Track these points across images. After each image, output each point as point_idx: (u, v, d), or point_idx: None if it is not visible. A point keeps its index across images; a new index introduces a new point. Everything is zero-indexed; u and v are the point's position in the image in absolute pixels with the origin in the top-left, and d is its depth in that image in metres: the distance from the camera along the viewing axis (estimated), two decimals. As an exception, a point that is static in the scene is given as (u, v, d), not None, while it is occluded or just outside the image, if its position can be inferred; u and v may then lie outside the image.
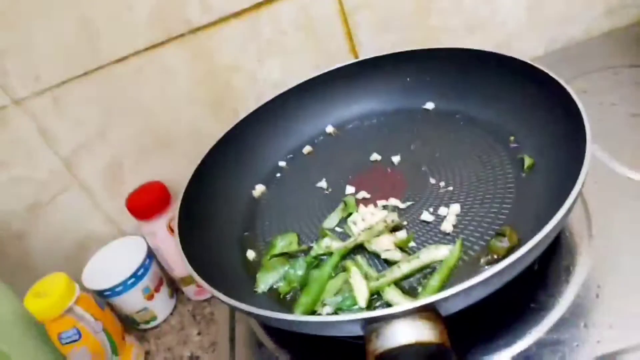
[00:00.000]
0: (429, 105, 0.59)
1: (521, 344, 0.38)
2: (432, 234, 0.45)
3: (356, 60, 0.62)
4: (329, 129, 0.63)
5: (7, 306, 0.55)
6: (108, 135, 0.64)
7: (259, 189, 0.58)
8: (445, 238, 0.44)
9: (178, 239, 0.44)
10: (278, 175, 0.60)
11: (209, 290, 0.39)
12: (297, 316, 0.34)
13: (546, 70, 0.46)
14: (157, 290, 0.63)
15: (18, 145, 0.62)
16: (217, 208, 0.54)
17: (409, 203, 0.49)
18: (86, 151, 0.64)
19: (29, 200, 0.65)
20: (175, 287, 0.67)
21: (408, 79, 0.60)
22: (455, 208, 0.46)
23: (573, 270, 0.41)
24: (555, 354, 0.36)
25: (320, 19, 0.62)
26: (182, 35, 0.59)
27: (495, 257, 0.40)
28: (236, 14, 0.59)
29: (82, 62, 0.58)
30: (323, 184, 0.56)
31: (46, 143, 0.62)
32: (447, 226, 0.45)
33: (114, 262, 0.63)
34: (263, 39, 0.62)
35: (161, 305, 0.64)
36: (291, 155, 0.62)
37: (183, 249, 0.43)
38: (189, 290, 0.65)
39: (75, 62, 0.58)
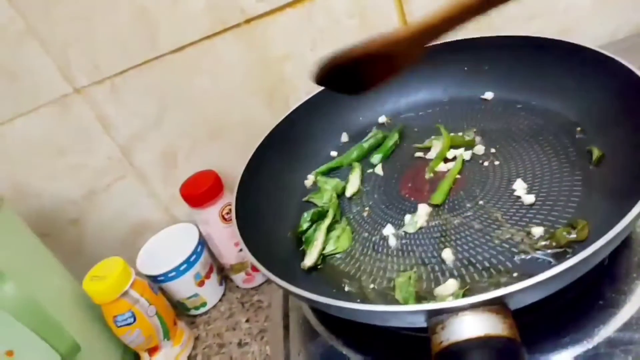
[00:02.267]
0: (488, 95, 0.57)
1: (589, 342, 0.36)
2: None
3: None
4: (382, 119, 0.62)
5: (66, 288, 0.57)
6: (163, 124, 0.65)
7: (311, 179, 0.58)
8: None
9: (236, 225, 0.44)
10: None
11: (267, 275, 0.39)
12: (358, 305, 0.34)
13: (617, 58, 0.44)
14: (207, 277, 0.64)
15: (77, 133, 0.64)
16: (270, 197, 0.54)
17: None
18: (142, 140, 0.65)
19: (86, 186, 0.67)
20: (224, 274, 0.68)
21: (465, 68, 0.58)
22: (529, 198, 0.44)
23: (645, 268, 0.39)
24: (628, 354, 0.35)
25: (375, 6, 0.61)
26: (237, 25, 0.59)
27: (554, 244, 0.39)
28: (291, 3, 0.59)
29: (140, 52, 0.60)
30: (379, 170, 0.55)
31: (104, 131, 0.64)
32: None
33: (167, 248, 0.65)
34: (316, 28, 0.61)
35: (211, 292, 0.65)
36: (342, 145, 0.61)
37: (241, 234, 0.43)
38: (238, 278, 0.65)
39: (134, 52, 0.59)
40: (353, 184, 0.54)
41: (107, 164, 0.66)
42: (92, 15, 0.57)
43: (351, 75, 0.42)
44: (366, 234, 0.49)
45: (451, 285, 0.40)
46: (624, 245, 0.41)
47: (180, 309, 0.66)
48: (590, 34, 0.65)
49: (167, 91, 0.63)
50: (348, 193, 0.54)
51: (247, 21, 0.59)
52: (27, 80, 0.59)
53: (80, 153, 0.65)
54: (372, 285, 0.43)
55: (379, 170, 0.56)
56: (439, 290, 0.40)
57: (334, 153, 0.61)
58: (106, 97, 0.62)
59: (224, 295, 0.67)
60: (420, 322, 0.32)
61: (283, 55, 0.63)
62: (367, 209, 0.52)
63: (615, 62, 0.44)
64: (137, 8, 0.57)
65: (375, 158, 0.57)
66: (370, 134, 0.60)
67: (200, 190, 0.58)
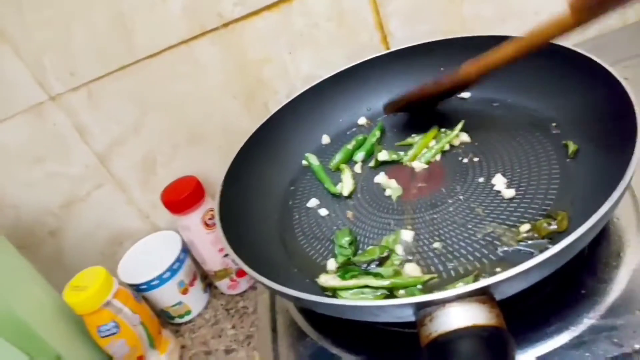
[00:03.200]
0: (465, 94, 0.58)
1: (574, 331, 0.37)
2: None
3: (388, 51, 0.62)
4: (362, 120, 0.63)
5: (47, 300, 0.56)
6: (142, 131, 0.64)
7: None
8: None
9: (220, 228, 0.44)
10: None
11: (254, 277, 0.39)
12: (345, 301, 0.34)
13: (588, 54, 0.46)
14: (191, 284, 0.64)
15: (54, 141, 0.62)
16: (253, 199, 0.54)
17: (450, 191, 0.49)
18: (120, 146, 0.64)
19: (63, 196, 0.66)
20: (208, 282, 0.67)
21: (442, 69, 0.59)
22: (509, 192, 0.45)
23: (623, 256, 0.40)
24: (611, 340, 0.35)
25: (351, 10, 0.61)
26: (214, 29, 0.59)
27: (535, 235, 0.40)
28: (268, 7, 0.59)
29: (117, 57, 0.59)
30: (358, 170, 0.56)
31: (81, 138, 0.63)
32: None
33: (149, 256, 0.64)
34: (294, 32, 0.62)
35: (195, 300, 0.65)
36: (323, 147, 0.62)
37: (226, 237, 0.43)
38: (222, 285, 0.65)
39: (110, 57, 0.59)
40: (347, 184, 0.54)
41: (85, 172, 0.65)
42: (67, 20, 0.56)
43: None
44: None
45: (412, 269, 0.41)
46: (602, 236, 0.43)
47: (164, 318, 0.65)
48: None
49: (145, 97, 0.62)
50: (345, 192, 0.54)
51: (225, 25, 0.59)
52: (1, 88, 0.58)
53: (57, 162, 0.64)
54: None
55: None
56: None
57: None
58: (82, 104, 0.61)
59: (208, 302, 0.67)
60: (409, 315, 0.32)
61: (261, 58, 0.63)
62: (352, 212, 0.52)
63: (587, 59, 0.45)
64: (113, 13, 0.56)
65: (359, 156, 0.58)
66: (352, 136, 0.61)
67: (181, 196, 0.58)
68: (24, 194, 0.65)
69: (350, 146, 0.59)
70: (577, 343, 0.36)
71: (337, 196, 0.54)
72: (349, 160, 0.58)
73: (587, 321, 0.37)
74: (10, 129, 0.60)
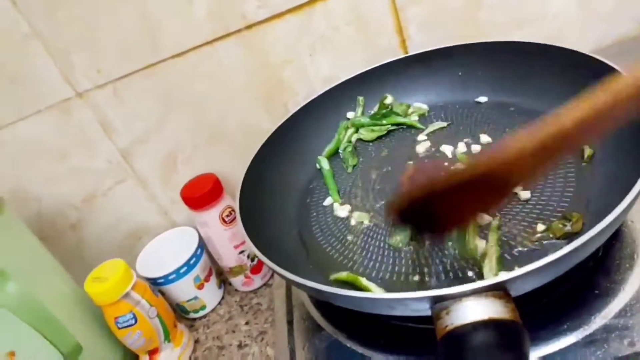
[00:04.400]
0: (482, 99, 0.59)
1: (587, 330, 0.37)
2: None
3: (406, 55, 0.63)
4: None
5: (67, 290, 0.57)
6: (165, 129, 0.66)
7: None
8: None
9: (241, 223, 0.45)
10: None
11: (273, 268, 0.40)
12: (362, 293, 0.35)
13: (604, 60, 0.46)
14: (207, 280, 0.65)
15: (79, 137, 0.64)
16: (272, 196, 0.55)
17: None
18: (143, 144, 0.66)
19: (86, 190, 0.68)
20: (223, 278, 0.69)
21: (460, 73, 0.60)
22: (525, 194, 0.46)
23: (637, 258, 0.41)
24: (623, 339, 0.36)
25: (372, 14, 0.63)
26: (238, 30, 0.61)
27: (551, 236, 0.41)
28: (291, 10, 0.61)
29: (142, 56, 0.61)
30: (373, 175, 0.57)
31: (105, 134, 0.64)
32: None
33: (167, 251, 0.65)
34: (316, 35, 0.63)
35: (210, 295, 0.66)
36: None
37: (247, 232, 0.44)
38: (237, 282, 0.66)
39: (136, 56, 0.60)
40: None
41: (108, 167, 0.66)
42: (95, 18, 0.58)
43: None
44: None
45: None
46: (616, 239, 0.43)
47: (179, 313, 0.66)
48: (576, 42, 0.67)
49: (169, 96, 0.64)
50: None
51: (248, 27, 0.61)
52: (30, 84, 0.60)
53: (81, 157, 0.65)
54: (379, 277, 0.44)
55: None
56: None
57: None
58: (108, 101, 0.62)
59: (222, 298, 0.68)
60: (425, 309, 0.33)
61: (283, 60, 0.64)
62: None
63: (599, 62, 0.46)
64: (140, 13, 0.58)
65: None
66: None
67: (200, 193, 0.59)
68: (48, 188, 0.66)
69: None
70: (589, 342, 0.37)
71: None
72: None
73: (600, 321, 0.38)
74: (37, 124, 0.62)
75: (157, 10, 0.58)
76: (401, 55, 0.63)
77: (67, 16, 0.57)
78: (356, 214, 0.52)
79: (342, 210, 0.53)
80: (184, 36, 0.60)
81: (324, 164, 0.60)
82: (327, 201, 0.56)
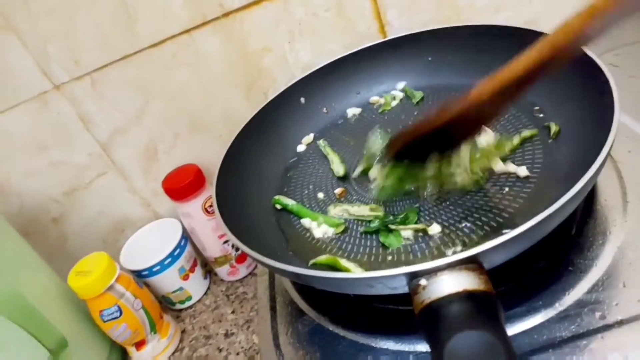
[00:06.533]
0: (452, 83, 0.59)
1: (561, 305, 0.38)
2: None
3: (378, 41, 0.63)
4: (354, 110, 0.65)
5: (51, 285, 0.57)
6: (144, 119, 0.65)
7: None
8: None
9: (218, 213, 0.45)
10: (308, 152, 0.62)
11: (252, 256, 0.40)
12: (340, 274, 0.35)
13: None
14: (192, 270, 0.65)
15: (58, 130, 0.63)
16: (250, 183, 0.55)
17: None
18: (123, 135, 0.66)
19: (67, 183, 0.67)
20: (208, 268, 0.69)
21: (430, 59, 0.61)
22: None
23: (609, 235, 0.42)
24: (595, 313, 0.37)
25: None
26: (215, 18, 0.61)
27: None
28: (269, -4, 0.61)
29: (120, 46, 0.60)
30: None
31: (85, 127, 0.64)
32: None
33: (151, 243, 0.65)
34: (294, 21, 0.63)
35: (196, 286, 0.66)
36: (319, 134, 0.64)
37: (225, 222, 0.44)
38: (222, 271, 0.66)
39: (113, 47, 0.60)
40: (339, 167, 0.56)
41: (88, 160, 0.66)
42: (71, 10, 0.57)
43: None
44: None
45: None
46: (590, 216, 0.44)
47: (165, 304, 0.66)
48: (554, 24, 0.68)
49: (148, 86, 0.63)
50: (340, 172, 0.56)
51: (226, 14, 0.61)
52: (6, 77, 0.59)
53: (60, 150, 0.65)
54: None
55: None
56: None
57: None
58: (86, 93, 0.62)
59: (208, 288, 0.68)
60: (402, 285, 0.33)
61: (262, 48, 0.64)
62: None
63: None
64: (117, 2, 0.58)
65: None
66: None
67: (182, 184, 0.59)
68: (28, 182, 0.66)
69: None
70: (563, 317, 0.38)
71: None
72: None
73: (573, 296, 0.39)
74: (15, 118, 0.62)
75: (133, -1, 0.58)
76: (380, 40, 0.63)
77: (42, 7, 0.56)
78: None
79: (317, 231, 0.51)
80: (161, 25, 0.60)
81: (286, 201, 0.54)
82: (306, 189, 0.56)
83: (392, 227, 0.45)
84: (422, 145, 0.42)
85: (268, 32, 0.63)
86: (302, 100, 0.63)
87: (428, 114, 0.41)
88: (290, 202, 0.54)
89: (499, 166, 0.47)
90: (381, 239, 0.45)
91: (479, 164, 0.46)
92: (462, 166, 0.45)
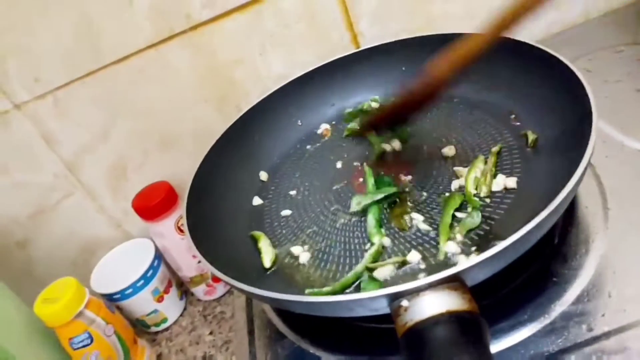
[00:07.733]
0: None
1: (546, 318, 0.37)
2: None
3: (352, 52, 0.62)
4: (322, 128, 0.64)
5: (15, 314, 0.54)
6: (111, 137, 0.63)
7: (264, 176, 0.60)
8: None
9: (189, 234, 0.43)
10: (283, 166, 0.61)
11: (226, 281, 0.38)
12: (320, 298, 0.34)
13: (542, 47, 0.47)
14: (166, 291, 0.63)
15: (20, 150, 0.61)
16: (222, 201, 0.54)
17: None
18: (89, 154, 0.63)
19: (32, 205, 0.65)
20: (184, 288, 0.67)
21: (403, 68, 0.60)
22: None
23: (592, 244, 0.41)
24: (581, 325, 0.36)
25: (322, 10, 0.62)
26: (183, 32, 0.59)
27: None
28: (238, 8, 0.59)
29: (83, 63, 0.58)
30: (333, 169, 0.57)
31: (49, 147, 0.62)
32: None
33: (122, 265, 0.63)
34: (265, 33, 0.62)
35: (171, 307, 0.64)
36: (297, 147, 0.62)
37: (195, 243, 0.42)
38: (199, 291, 0.64)
39: (76, 63, 0.58)
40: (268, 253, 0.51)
41: (54, 181, 0.64)
42: (29, 24, 0.55)
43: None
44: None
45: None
46: (571, 225, 0.44)
47: (140, 327, 0.64)
48: (525, 31, 0.68)
49: (114, 103, 0.61)
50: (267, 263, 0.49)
51: (194, 27, 0.59)
52: (-38, 97, 0.57)
53: (24, 171, 0.62)
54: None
55: None
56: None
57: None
58: (49, 111, 0.60)
59: (185, 309, 0.66)
60: (383, 307, 0.32)
61: (232, 60, 0.63)
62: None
63: (538, 50, 0.47)
64: (78, 17, 0.56)
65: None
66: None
67: (153, 202, 0.57)
68: (-10, 205, 0.63)
69: None
70: (550, 330, 0.37)
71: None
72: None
73: (559, 308, 0.38)
74: (-26, 139, 0.59)
75: (96, 13, 0.56)
76: (353, 51, 0.62)
77: (-1, 23, 0.54)
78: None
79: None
80: (126, 40, 0.58)
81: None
82: (280, 206, 0.55)
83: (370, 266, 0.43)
84: (389, 119, 0.52)
85: (239, 44, 0.62)
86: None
87: (396, 97, 0.48)
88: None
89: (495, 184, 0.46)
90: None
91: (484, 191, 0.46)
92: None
